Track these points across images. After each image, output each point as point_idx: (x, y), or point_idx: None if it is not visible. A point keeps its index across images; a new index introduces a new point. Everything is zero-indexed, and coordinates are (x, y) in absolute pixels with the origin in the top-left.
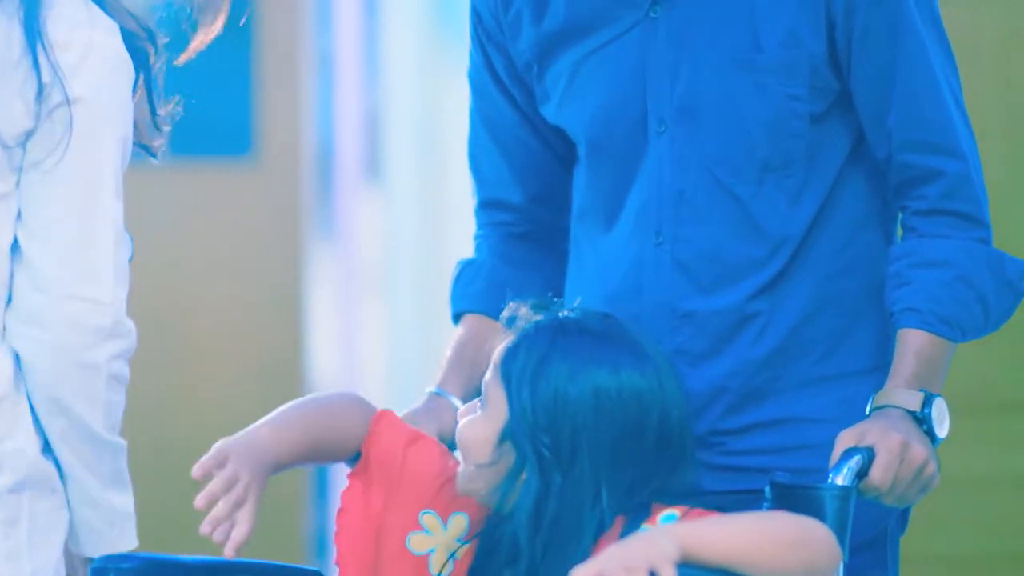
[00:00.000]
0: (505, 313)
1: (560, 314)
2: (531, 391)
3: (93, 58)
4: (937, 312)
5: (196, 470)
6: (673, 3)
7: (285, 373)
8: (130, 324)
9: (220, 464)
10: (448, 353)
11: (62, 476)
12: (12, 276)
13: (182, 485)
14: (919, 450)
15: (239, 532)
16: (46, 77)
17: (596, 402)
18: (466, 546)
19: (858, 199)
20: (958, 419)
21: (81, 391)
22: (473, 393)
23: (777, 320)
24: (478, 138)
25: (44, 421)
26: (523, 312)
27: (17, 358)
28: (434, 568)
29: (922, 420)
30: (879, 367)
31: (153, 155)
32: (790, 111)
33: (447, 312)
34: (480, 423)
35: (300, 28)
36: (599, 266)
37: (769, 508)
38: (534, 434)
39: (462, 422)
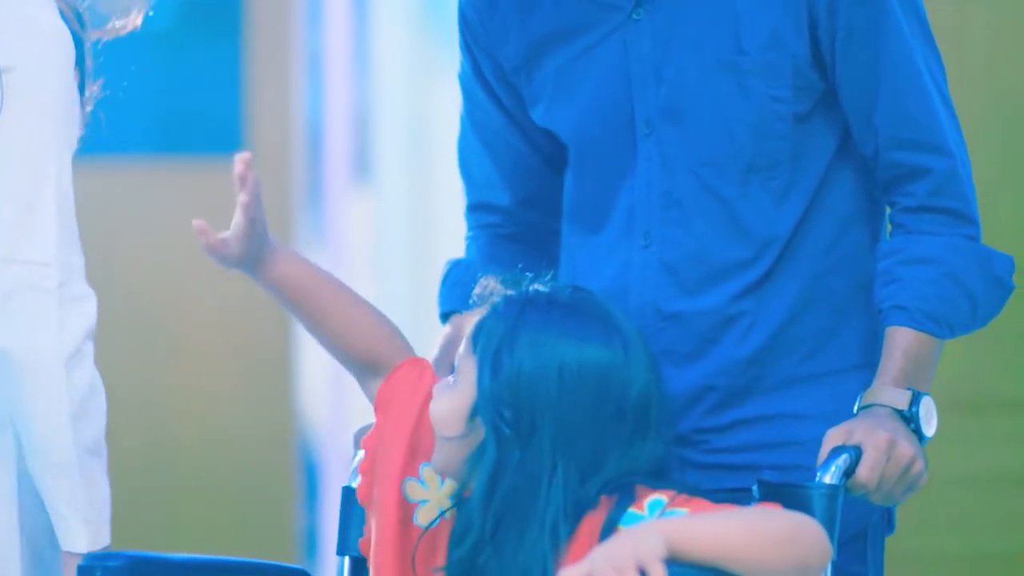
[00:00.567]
0: (477, 289)
1: (531, 288)
2: (495, 364)
3: (28, 29)
4: (925, 310)
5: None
6: (656, 5)
7: (275, 371)
8: (88, 291)
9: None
10: (435, 352)
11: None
12: None
13: (171, 484)
14: (906, 448)
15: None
16: None
17: (559, 376)
18: (452, 511)
19: (845, 197)
20: (948, 417)
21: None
22: None
23: (763, 320)
24: (467, 141)
25: None
26: (494, 286)
27: None
28: (419, 519)
29: (909, 419)
30: (867, 364)
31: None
32: (774, 113)
33: (436, 311)
34: (451, 396)
35: (290, 26)
36: (589, 268)
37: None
38: (497, 407)
39: (434, 397)
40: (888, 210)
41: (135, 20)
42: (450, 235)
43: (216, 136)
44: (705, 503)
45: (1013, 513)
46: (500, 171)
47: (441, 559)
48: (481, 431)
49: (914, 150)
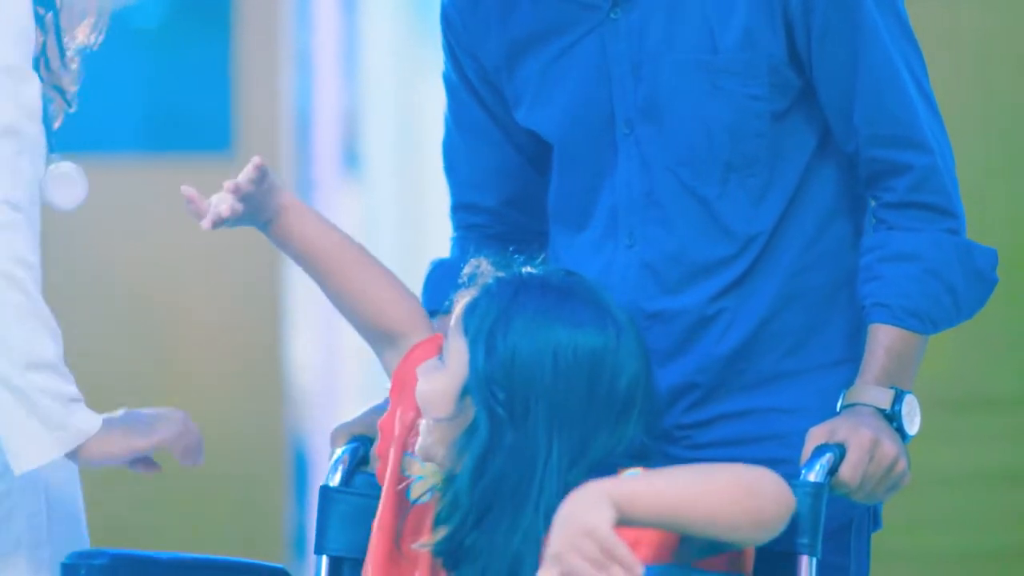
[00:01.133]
0: (467, 269)
1: (523, 270)
2: (489, 346)
3: None
4: (906, 307)
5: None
6: (632, 4)
7: (264, 368)
8: (14, 219)
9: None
10: None
11: None
12: None
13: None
14: (889, 448)
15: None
16: None
17: (554, 360)
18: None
19: (826, 193)
20: (935, 415)
21: None
22: None
23: (742, 317)
24: (452, 141)
25: None
26: (485, 268)
27: None
28: (412, 493)
29: (892, 417)
30: (850, 359)
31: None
32: (750, 111)
33: None
34: (440, 377)
35: (278, 24)
36: (574, 267)
37: None
38: (490, 388)
39: (421, 378)
40: (871, 203)
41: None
42: (439, 231)
43: (205, 134)
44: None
45: (1000, 511)
46: (484, 171)
47: (427, 536)
48: (471, 412)
49: (894, 146)
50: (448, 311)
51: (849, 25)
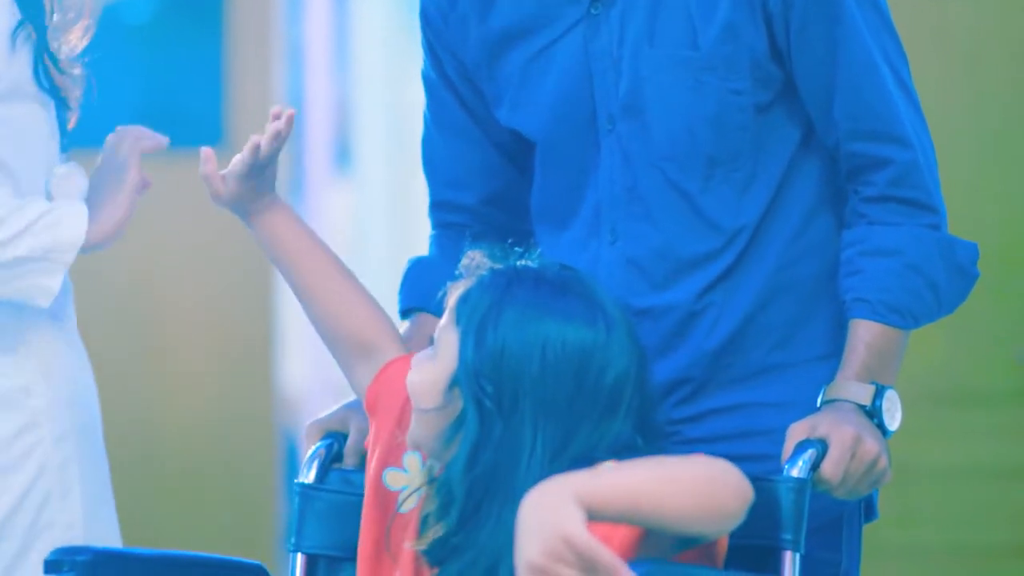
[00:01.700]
0: (464, 261)
1: (518, 263)
2: (479, 337)
3: None
4: (887, 302)
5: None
6: (613, 0)
7: (255, 362)
8: None
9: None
10: None
11: None
12: None
13: (151, 475)
14: (871, 444)
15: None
16: None
17: (543, 354)
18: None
19: (811, 185)
20: (927, 410)
21: None
22: None
23: (730, 310)
24: (431, 139)
25: None
26: (480, 260)
27: None
28: (404, 506)
29: (873, 413)
30: (836, 353)
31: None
32: (733, 105)
33: None
34: (430, 367)
35: (271, 18)
36: None
37: None
38: (478, 380)
39: (413, 368)
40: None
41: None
42: (430, 226)
43: (197, 129)
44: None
45: (991, 506)
46: (464, 170)
47: (413, 536)
48: (459, 403)
49: (873, 141)
50: (426, 309)
51: (828, 19)
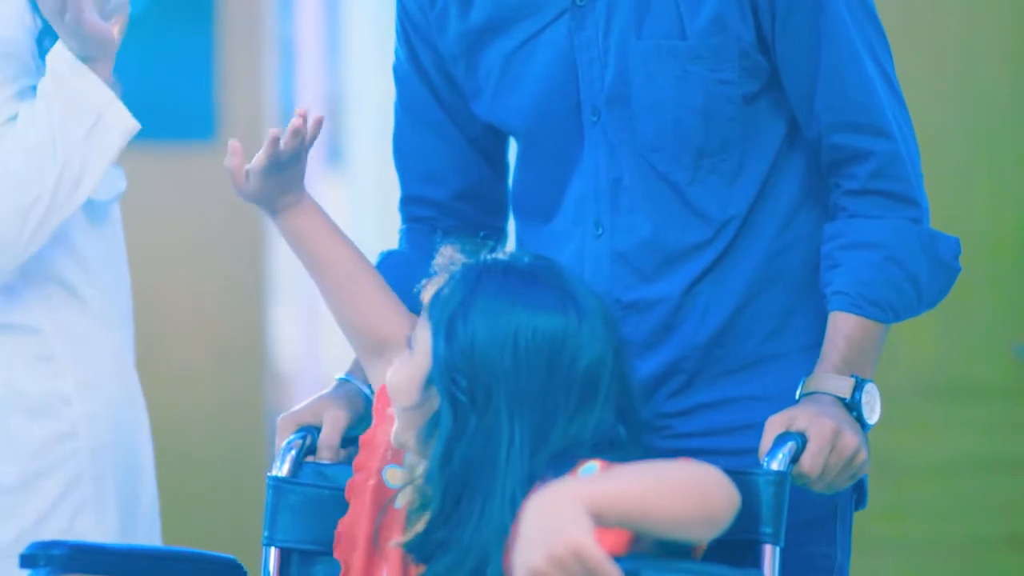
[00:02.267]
0: (437, 259)
1: (489, 256)
2: (449, 333)
3: None
4: (866, 295)
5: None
6: None
7: (247, 356)
8: None
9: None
10: None
11: None
12: None
13: None
14: (851, 439)
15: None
16: None
17: (514, 344)
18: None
19: (798, 176)
20: (919, 403)
21: None
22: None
23: (720, 302)
24: (402, 133)
25: None
26: (453, 255)
27: None
28: (399, 502)
29: (852, 406)
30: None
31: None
32: (722, 95)
33: None
34: (406, 365)
35: (261, 12)
36: None
37: None
38: (451, 375)
39: (391, 367)
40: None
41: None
42: (400, 220)
43: (188, 123)
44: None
45: (982, 499)
46: (436, 164)
47: (400, 533)
48: (436, 400)
49: (855, 132)
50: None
51: (812, 8)
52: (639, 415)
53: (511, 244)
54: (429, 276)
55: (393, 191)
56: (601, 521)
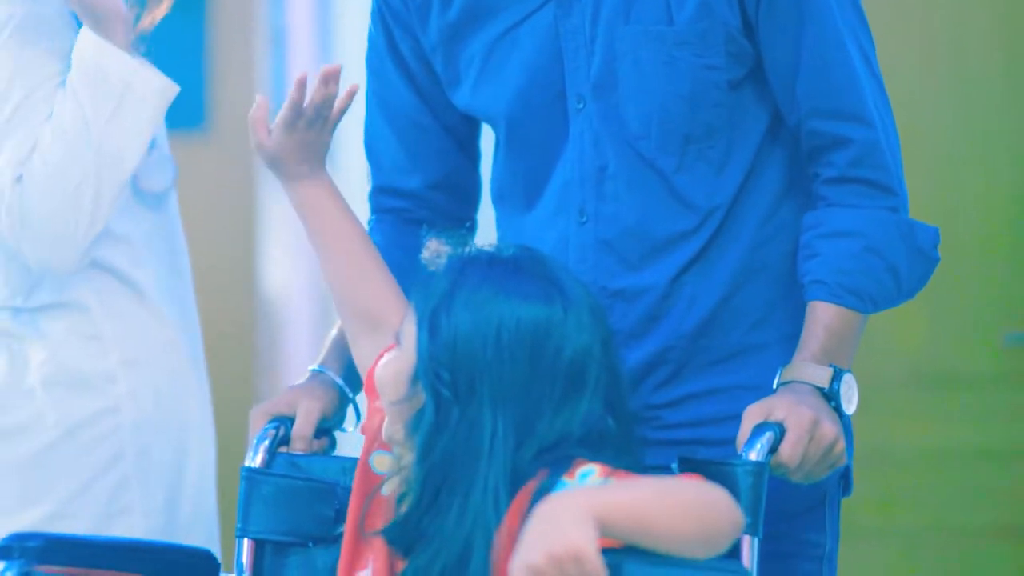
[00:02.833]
0: (425, 253)
1: (472, 248)
2: (433, 326)
3: None
4: (845, 284)
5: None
6: None
7: (239, 349)
8: None
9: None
10: (332, 333)
11: None
12: None
13: None
14: (829, 428)
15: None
16: None
17: (497, 335)
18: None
19: (782, 166)
20: (909, 392)
21: None
22: (354, 373)
23: (706, 291)
24: (374, 123)
25: None
26: (440, 248)
27: None
28: (386, 489)
29: (830, 396)
30: None
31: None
32: (708, 81)
33: None
34: (394, 360)
35: (253, 2)
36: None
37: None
38: (435, 369)
39: (380, 362)
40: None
41: (164, 9)
42: (369, 211)
43: (179, 113)
44: (630, 475)
45: (973, 488)
46: (409, 153)
47: (381, 523)
48: (422, 394)
49: (835, 119)
50: None
51: None
52: (628, 407)
53: (491, 235)
54: (399, 266)
55: None
56: (606, 532)
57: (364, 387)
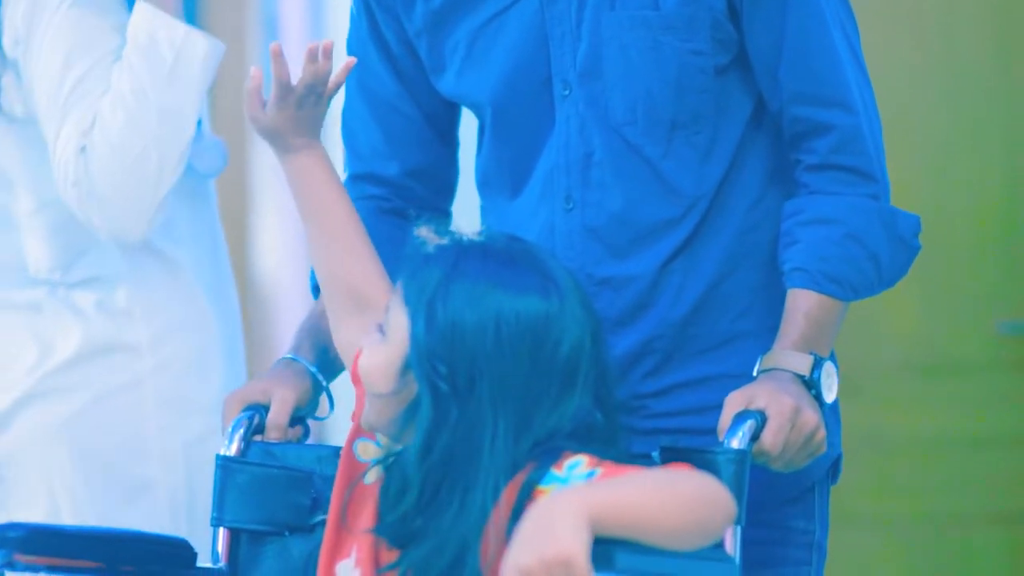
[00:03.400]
0: (419, 235)
1: (464, 237)
2: (429, 317)
3: None
4: (825, 271)
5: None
6: None
7: None
8: None
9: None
10: (303, 320)
11: None
12: None
13: None
14: (810, 416)
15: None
16: None
17: (496, 328)
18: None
19: (767, 155)
20: (901, 379)
21: None
22: (327, 360)
23: (693, 279)
24: (353, 109)
25: None
26: (427, 235)
27: None
28: (369, 478)
29: (811, 384)
30: None
31: None
32: (694, 67)
33: None
34: (381, 350)
35: None
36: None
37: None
38: (431, 361)
39: (363, 350)
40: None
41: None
42: None
43: None
44: (618, 466)
45: (966, 475)
46: (388, 140)
47: (371, 515)
48: (414, 387)
49: (817, 105)
50: None
51: None
52: (615, 399)
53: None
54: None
55: None
56: (600, 529)
57: (351, 375)
